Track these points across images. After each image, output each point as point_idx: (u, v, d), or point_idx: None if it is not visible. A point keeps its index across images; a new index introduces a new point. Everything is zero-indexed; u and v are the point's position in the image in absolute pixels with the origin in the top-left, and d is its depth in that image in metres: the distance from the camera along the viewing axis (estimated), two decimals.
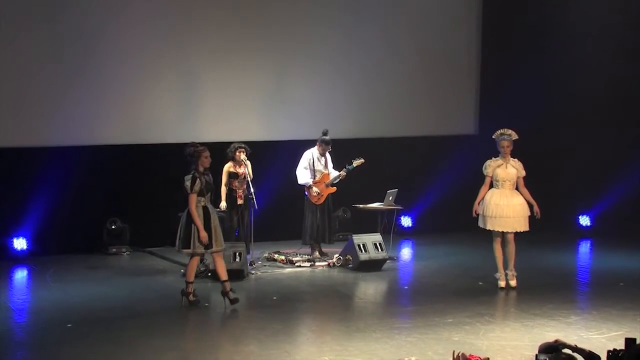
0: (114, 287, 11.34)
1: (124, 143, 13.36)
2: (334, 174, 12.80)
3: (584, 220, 15.44)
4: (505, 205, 10.94)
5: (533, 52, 15.19)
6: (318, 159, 12.75)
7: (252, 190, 11.82)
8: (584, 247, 14.58)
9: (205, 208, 10.14)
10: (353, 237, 12.41)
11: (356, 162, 12.74)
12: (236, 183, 12.09)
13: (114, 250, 13.22)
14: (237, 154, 12.02)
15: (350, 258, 12.31)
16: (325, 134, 12.74)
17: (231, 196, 12.13)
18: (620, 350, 6.89)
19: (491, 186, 11.10)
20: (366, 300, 11.25)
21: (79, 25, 12.98)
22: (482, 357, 7.28)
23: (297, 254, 12.84)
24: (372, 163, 13.13)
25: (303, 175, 12.72)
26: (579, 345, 7.20)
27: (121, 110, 13.34)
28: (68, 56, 12.96)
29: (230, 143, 12.18)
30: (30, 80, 12.84)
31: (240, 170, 12.06)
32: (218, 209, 11.45)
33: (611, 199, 15.15)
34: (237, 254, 11.58)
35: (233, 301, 10.14)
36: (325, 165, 12.82)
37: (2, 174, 12.74)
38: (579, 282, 12.29)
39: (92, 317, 9.84)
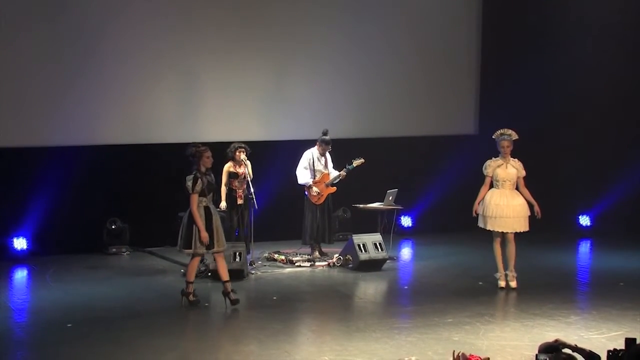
0: (114, 287, 11.34)
1: (124, 143, 13.36)
2: (334, 173, 12.80)
3: (584, 220, 15.44)
4: (505, 205, 10.94)
5: (533, 52, 15.20)
6: (318, 158, 12.75)
7: (252, 190, 11.82)
8: (584, 247, 14.58)
9: (207, 208, 10.14)
10: (353, 237, 12.41)
11: (356, 162, 12.74)
12: (236, 183, 12.09)
13: (114, 250, 13.22)
14: (237, 153, 12.02)
15: (350, 258, 12.31)
16: (325, 133, 12.74)
17: (231, 196, 12.13)
18: (620, 350, 6.89)
19: (491, 186, 11.10)
20: (366, 300, 11.25)
21: (79, 25, 12.98)
22: (482, 357, 7.28)
23: (297, 254, 12.84)
24: (372, 163, 13.13)
25: (303, 175, 12.72)
26: (579, 345, 7.20)
27: (121, 110, 13.34)
28: (68, 56, 12.96)
29: (230, 143, 12.18)
30: (30, 80, 12.84)
31: (240, 170, 12.06)
32: (218, 209, 11.44)
33: (611, 199, 15.14)
34: (237, 253, 11.58)
35: (234, 302, 10.15)
36: (325, 165, 12.82)
37: (2, 174, 12.74)
38: (579, 282, 12.29)
39: (92, 317, 9.84)
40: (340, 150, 13.01)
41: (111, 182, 13.27)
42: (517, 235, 11.03)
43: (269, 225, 13.19)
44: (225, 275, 10.23)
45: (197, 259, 10.43)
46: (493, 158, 11.12)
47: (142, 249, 13.37)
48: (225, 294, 10.20)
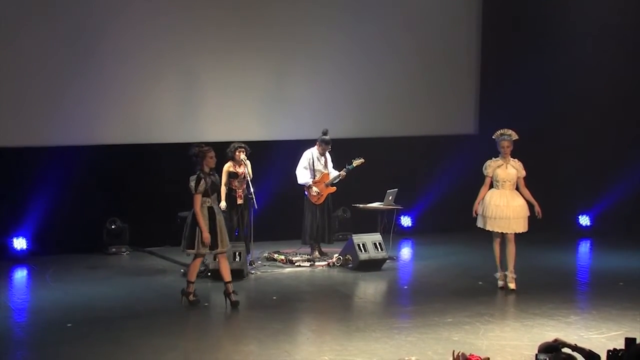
0: (114, 287, 11.34)
1: (124, 143, 13.36)
2: (333, 173, 12.80)
3: (584, 220, 15.44)
4: (505, 206, 10.92)
5: (533, 52, 15.19)
6: (318, 158, 12.76)
7: (251, 190, 11.81)
8: (584, 247, 14.58)
9: (210, 208, 10.13)
10: (353, 237, 12.41)
11: (356, 162, 12.74)
12: (236, 183, 12.09)
13: (114, 250, 13.22)
14: (237, 153, 12.01)
15: (350, 258, 12.31)
16: (325, 133, 12.74)
17: (231, 196, 12.12)
18: (620, 349, 6.89)
19: (491, 186, 11.09)
20: (366, 300, 11.25)
21: (79, 25, 12.98)
22: (482, 357, 7.28)
23: (297, 254, 12.84)
24: (372, 163, 13.13)
25: (303, 175, 12.72)
26: (579, 345, 7.20)
27: (121, 110, 13.34)
28: (68, 56, 12.96)
29: (230, 143, 12.17)
30: (30, 80, 12.85)
31: (240, 170, 12.05)
32: None
33: (611, 199, 15.14)
34: (237, 253, 11.58)
35: (234, 304, 10.14)
36: (325, 165, 12.82)
37: (2, 174, 12.74)
38: (579, 281, 12.29)
39: (92, 317, 9.84)
40: (340, 150, 13.01)
41: (111, 182, 13.27)
42: (517, 235, 11.02)
43: (269, 225, 13.19)
44: (227, 276, 10.23)
45: (200, 259, 10.44)
46: (493, 158, 11.11)
47: (142, 249, 13.37)
48: (227, 294, 10.20)
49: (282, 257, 12.72)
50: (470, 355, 7.21)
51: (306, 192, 12.77)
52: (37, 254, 12.81)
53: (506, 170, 11.01)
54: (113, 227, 13.26)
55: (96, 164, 13.12)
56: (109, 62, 13.17)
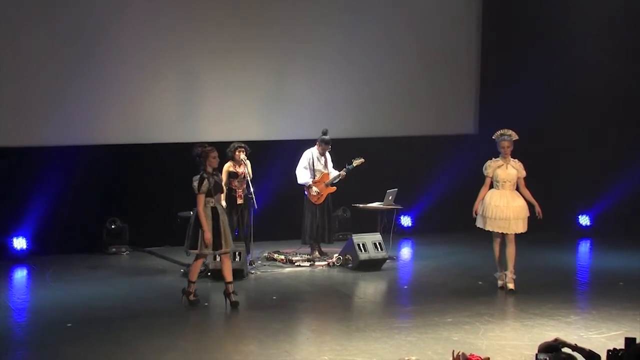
0: (114, 287, 11.34)
1: (124, 143, 13.36)
2: (333, 173, 12.80)
3: (584, 220, 15.44)
4: (505, 206, 10.91)
5: (533, 52, 15.19)
6: (318, 158, 12.76)
7: (251, 189, 11.81)
8: (584, 247, 14.59)
9: (214, 209, 10.12)
10: (353, 237, 12.41)
11: (356, 162, 12.75)
12: (236, 183, 12.09)
13: (114, 250, 13.22)
14: (237, 153, 12.01)
15: (350, 258, 12.31)
16: (325, 133, 12.74)
17: (231, 196, 12.12)
18: (620, 349, 6.89)
19: (491, 187, 11.08)
20: (366, 299, 11.25)
21: (79, 25, 12.98)
22: (482, 357, 7.27)
23: (296, 254, 12.84)
24: (372, 163, 13.13)
25: (303, 175, 12.72)
26: (579, 345, 7.20)
27: (121, 110, 13.34)
28: (68, 56, 12.96)
29: (230, 143, 12.17)
30: (30, 80, 12.85)
31: (240, 169, 12.05)
32: None
33: (611, 199, 15.14)
34: (236, 253, 11.58)
35: (233, 305, 10.14)
36: (325, 165, 12.82)
37: (2, 173, 12.74)
38: (579, 281, 12.29)
39: (92, 317, 9.84)
40: (340, 150, 13.02)
41: (111, 182, 13.27)
42: (517, 235, 11.00)
43: (269, 225, 13.19)
44: (229, 277, 10.22)
45: (202, 260, 10.44)
46: (493, 158, 11.10)
47: (142, 249, 13.37)
48: (227, 294, 10.19)
49: (282, 257, 12.72)
50: (471, 355, 7.21)
51: (306, 192, 12.77)
52: (37, 254, 12.81)
53: (506, 171, 11.00)
54: (113, 227, 13.26)
55: (96, 164, 13.12)
56: (109, 62, 13.17)
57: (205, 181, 10.01)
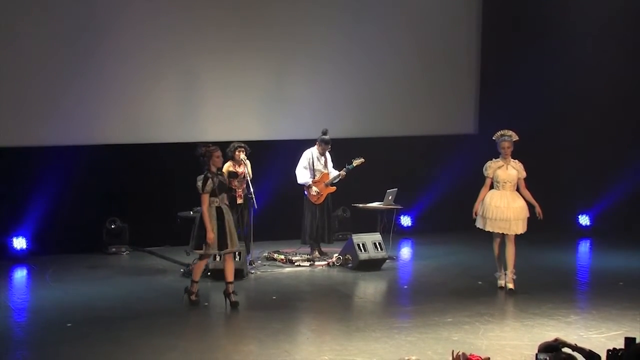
0: (114, 286, 11.34)
1: (124, 143, 13.36)
2: (333, 173, 12.80)
3: (584, 220, 15.44)
4: (505, 207, 10.90)
5: (533, 52, 15.19)
6: (318, 158, 12.76)
7: (251, 189, 11.80)
8: (584, 247, 14.59)
9: (218, 208, 10.12)
10: (352, 237, 12.41)
11: (356, 162, 12.75)
12: (236, 182, 12.08)
13: (114, 249, 13.21)
14: (237, 153, 12.01)
15: (350, 257, 12.31)
16: (324, 133, 12.75)
17: (230, 196, 12.09)
18: (620, 349, 6.88)
19: (492, 187, 11.07)
20: (366, 299, 11.25)
21: (79, 25, 12.98)
22: (482, 357, 7.27)
23: (296, 254, 12.84)
24: (372, 163, 13.13)
25: (302, 175, 12.73)
26: (579, 345, 7.19)
27: (121, 110, 13.34)
28: (68, 56, 12.96)
29: (230, 143, 12.17)
30: (30, 80, 12.84)
31: (240, 169, 12.05)
32: None
33: (611, 199, 15.14)
34: (236, 253, 11.56)
35: (233, 305, 10.14)
36: (325, 165, 12.82)
37: (2, 173, 12.74)
38: (579, 281, 12.30)
39: (92, 317, 9.84)
40: (340, 150, 13.02)
41: (111, 182, 13.26)
42: (517, 235, 11.00)
43: (269, 225, 13.18)
44: (230, 277, 10.22)
45: (206, 260, 10.43)
46: (493, 159, 11.09)
47: (142, 249, 13.37)
48: (227, 294, 10.19)
49: (282, 256, 12.72)
50: (471, 355, 7.21)
51: (306, 192, 12.77)
52: (37, 254, 12.81)
53: (507, 171, 10.99)
54: (113, 227, 13.26)
55: (96, 164, 13.12)
56: (109, 62, 13.17)
57: (209, 181, 10.02)
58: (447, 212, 14.37)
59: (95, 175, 13.12)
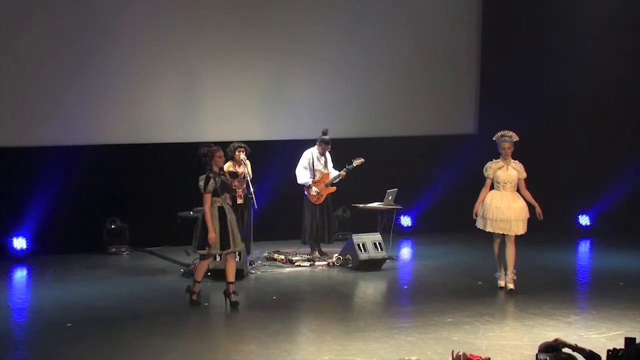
0: (114, 287, 11.34)
1: (124, 143, 13.36)
2: (333, 173, 12.80)
3: (584, 220, 15.44)
4: (505, 208, 10.89)
5: (533, 52, 15.19)
6: (318, 158, 12.76)
7: (251, 189, 11.80)
8: (584, 247, 14.59)
9: (221, 208, 10.13)
10: (353, 237, 12.41)
11: (356, 162, 12.75)
12: (236, 183, 12.07)
13: (114, 249, 13.21)
14: (237, 153, 12.01)
15: (350, 258, 12.31)
16: (325, 133, 12.75)
17: (231, 196, 12.10)
18: (620, 349, 6.88)
19: (492, 188, 11.06)
20: (366, 299, 11.25)
21: (79, 25, 12.98)
22: (482, 357, 7.27)
23: (296, 254, 12.84)
24: (372, 163, 13.13)
25: (302, 175, 12.73)
26: (579, 345, 7.20)
27: (121, 109, 13.34)
28: (68, 56, 12.96)
29: (230, 143, 12.17)
30: (30, 80, 12.84)
31: (240, 169, 12.05)
32: None
33: (611, 199, 15.14)
34: (236, 253, 11.55)
35: (233, 305, 10.14)
36: (325, 165, 12.82)
37: (2, 173, 12.74)
38: (579, 281, 12.29)
39: (92, 317, 9.84)
40: (340, 150, 13.02)
41: (111, 182, 13.26)
42: (518, 235, 10.99)
43: (269, 225, 13.18)
44: (231, 277, 10.22)
45: (209, 259, 10.42)
46: (494, 160, 11.08)
47: (142, 249, 13.37)
48: (227, 294, 10.19)
49: (282, 257, 12.72)
50: (471, 355, 7.21)
51: (306, 192, 12.77)
52: (37, 254, 12.81)
53: (507, 172, 10.98)
54: (113, 227, 13.26)
55: (96, 164, 13.12)
56: (109, 62, 13.17)
57: (211, 181, 10.03)
58: (447, 212, 14.37)
59: (95, 175, 13.12)
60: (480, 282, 11.51)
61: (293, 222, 13.14)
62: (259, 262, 12.55)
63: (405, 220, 14.91)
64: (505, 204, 10.90)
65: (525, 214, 10.95)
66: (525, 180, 11.08)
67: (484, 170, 11.07)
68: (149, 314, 9.99)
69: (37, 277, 11.94)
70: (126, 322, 9.64)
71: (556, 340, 7.25)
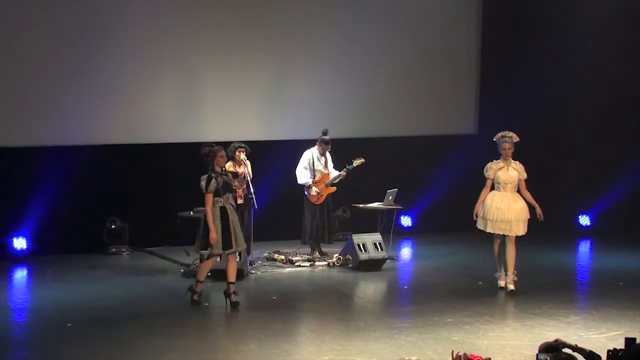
0: (114, 287, 11.34)
1: (124, 143, 13.36)
2: (334, 173, 12.80)
3: (584, 220, 15.44)
4: (506, 209, 10.88)
5: (533, 52, 15.18)
6: (318, 158, 12.76)
7: (251, 189, 11.80)
8: (584, 247, 14.59)
9: (223, 208, 10.13)
10: (353, 237, 12.41)
11: (356, 162, 12.75)
12: (236, 183, 12.06)
13: (114, 250, 13.21)
14: (237, 153, 12.01)
15: (350, 258, 12.31)
16: (325, 133, 12.74)
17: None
18: (620, 349, 6.88)
19: (492, 188, 11.06)
20: (366, 299, 11.25)
21: (79, 25, 12.98)
22: (483, 357, 7.26)
23: (296, 254, 12.84)
24: (372, 163, 13.13)
25: (303, 175, 12.73)
26: (579, 345, 7.19)
27: (121, 109, 13.34)
28: (68, 56, 12.96)
29: (230, 143, 12.16)
30: (30, 80, 12.84)
31: (240, 169, 12.05)
32: None
33: (611, 199, 15.14)
34: (236, 253, 11.56)
35: (234, 305, 10.14)
36: (325, 165, 12.82)
37: (2, 173, 12.74)
38: (579, 281, 12.30)
39: (92, 317, 9.84)
40: (340, 150, 13.02)
41: (111, 182, 13.26)
42: (518, 236, 10.99)
43: (269, 225, 13.18)
44: (232, 277, 10.22)
45: (213, 260, 10.42)
46: (494, 160, 11.07)
47: (142, 249, 13.37)
48: (227, 294, 10.19)
49: (282, 257, 12.72)
50: (471, 355, 7.20)
51: (306, 192, 12.77)
52: (37, 254, 12.81)
53: (507, 173, 10.97)
54: (113, 227, 13.26)
55: (96, 164, 13.12)
56: (109, 62, 13.17)
57: (213, 180, 10.03)
58: (447, 212, 14.37)
59: (95, 175, 13.12)
60: (480, 282, 11.51)
61: (293, 222, 13.14)
62: (259, 262, 12.55)
63: (406, 221, 14.91)
64: (505, 204, 10.89)
65: (525, 214, 10.95)
66: (526, 180, 11.07)
67: (484, 170, 11.06)
68: (149, 314, 9.99)
69: (37, 277, 11.94)
70: (126, 322, 9.64)
71: (556, 340, 7.25)
